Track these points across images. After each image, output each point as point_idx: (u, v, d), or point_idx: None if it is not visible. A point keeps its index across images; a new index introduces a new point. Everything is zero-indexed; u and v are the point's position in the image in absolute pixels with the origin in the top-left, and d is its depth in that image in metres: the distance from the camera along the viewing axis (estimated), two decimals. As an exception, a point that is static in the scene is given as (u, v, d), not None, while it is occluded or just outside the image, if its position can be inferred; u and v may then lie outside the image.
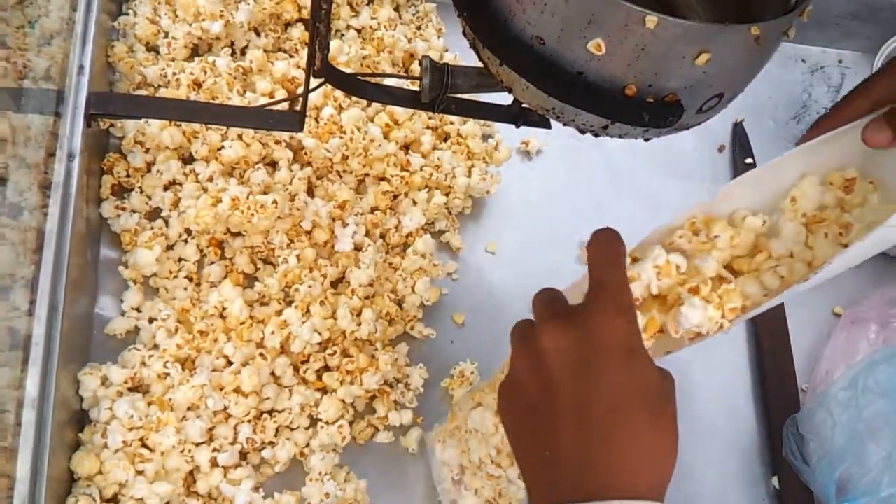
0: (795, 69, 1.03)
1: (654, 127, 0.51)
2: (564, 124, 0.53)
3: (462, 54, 0.88)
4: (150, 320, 0.67)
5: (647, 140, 0.55)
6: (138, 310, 0.68)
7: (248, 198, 0.68)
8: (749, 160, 0.94)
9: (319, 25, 0.56)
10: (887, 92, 0.49)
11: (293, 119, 0.67)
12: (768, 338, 0.84)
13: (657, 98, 0.49)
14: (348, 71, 0.75)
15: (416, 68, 0.84)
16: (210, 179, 0.71)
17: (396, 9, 0.87)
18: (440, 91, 0.65)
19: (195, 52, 0.79)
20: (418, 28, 0.87)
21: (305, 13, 0.81)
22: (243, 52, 0.80)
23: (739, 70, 0.50)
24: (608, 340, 0.41)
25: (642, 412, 0.40)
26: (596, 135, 0.53)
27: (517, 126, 0.70)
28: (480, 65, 0.65)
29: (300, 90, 0.71)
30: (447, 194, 0.79)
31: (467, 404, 0.61)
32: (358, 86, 0.65)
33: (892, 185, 0.53)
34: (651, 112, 0.49)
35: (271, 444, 0.65)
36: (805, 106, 1.01)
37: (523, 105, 0.69)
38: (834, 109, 0.52)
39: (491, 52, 0.51)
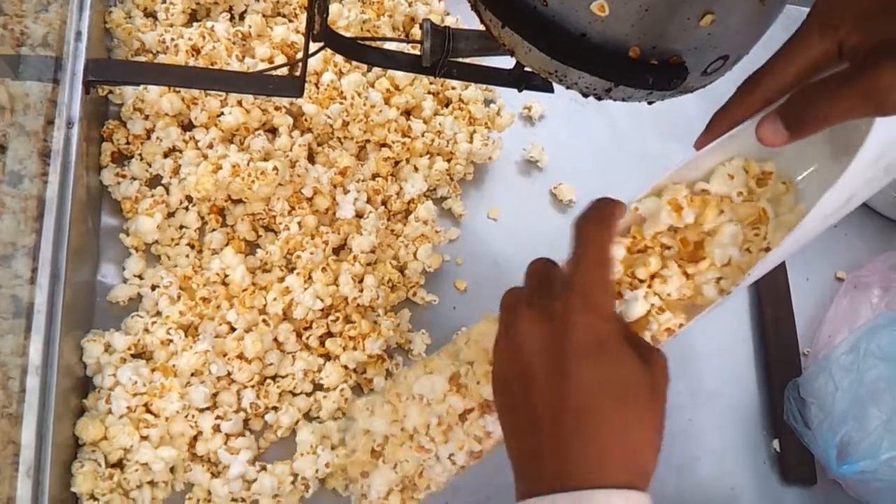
0: (801, 32, 1.02)
1: (658, 90, 0.50)
2: (567, 87, 0.52)
3: (463, 18, 0.87)
4: (153, 287, 0.67)
5: (650, 103, 0.55)
6: (140, 277, 0.68)
7: (248, 164, 0.67)
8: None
9: (318, -12, 0.55)
10: (780, 83, 0.47)
11: (293, 84, 0.66)
12: (770, 302, 0.84)
13: (661, 60, 0.48)
14: (348, 35, 0.74)
15: (416, 32, 0.83)
16: (210, 146, 0.71)
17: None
18: (441, 55, 0.64)
19: (193, 17, 0.78)
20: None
21: (304, -24, 0.80)
22: (242, 17, 0.79)
23: (744, 31, 0.50)
24: (581, 336, 0.40)
25: (617, 407, 0.40)
26: (599, 98, 0.53)
27: (519, 90, 0.69)
28: (482, 28, 0.65)
29: (299, 55, 0.71)
30: (449, 160, 0.78)
31: (417, 370, 0.58)
32: (358, 50, 0.65)
33: (793, 176, 0.52)
34: (655, 74, 0.49)
35: (275, 408, 0.65)
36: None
37: (525, 69, 0.69)
38: (728, 104, 0.49)
39: (493, 14, 0.51)
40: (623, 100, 0.53)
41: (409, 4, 0.83)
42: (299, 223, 0.69)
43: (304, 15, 0.80)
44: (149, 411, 0.61)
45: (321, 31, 0.59)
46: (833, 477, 0.74)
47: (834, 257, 0.89)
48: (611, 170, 0.87)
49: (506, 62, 0.67)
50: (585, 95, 0.53)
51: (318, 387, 0.68)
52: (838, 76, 0.39)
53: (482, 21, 0.53)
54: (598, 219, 0.46)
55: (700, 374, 0.81)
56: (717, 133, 0.49)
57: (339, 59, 0.77)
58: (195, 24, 0.76)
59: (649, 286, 0.50)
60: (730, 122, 0.49)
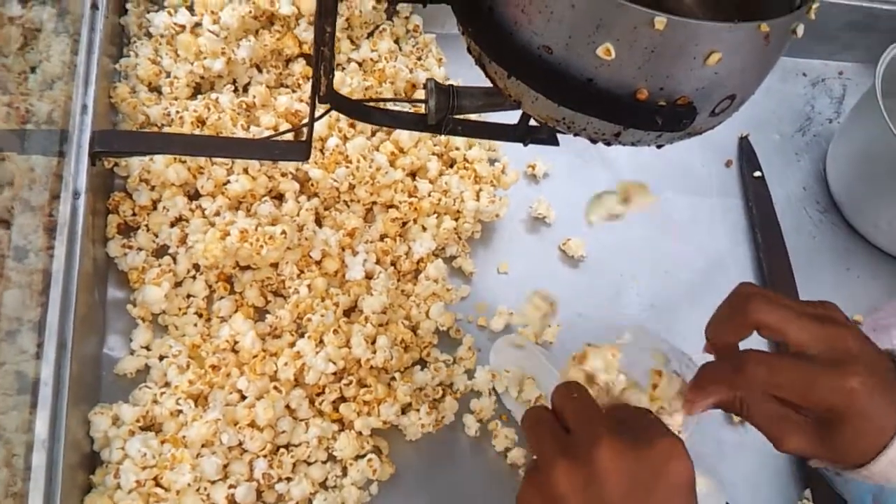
0: (797, 83, 1.04)
1: (667, 131, 0.50)
2: (575, 135, 0.52)
3: (464, 83, 0.87)
4: (161, 358, 0.66)
5: (659, 147, 0.55)
6: (148, 348, 0.67)
7: (256, 230, 0.67)
8: (757, 173, 0.93)
9: (324, 49, 0.56)
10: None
11: (299, 149, 0.66)
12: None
13: (669, 101, 0.48)
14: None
15: (421, 94, 0.83)
16: (217, 214, 0.70)
17: (396, 41, 0.88)
18: (446, 112, 0.64)
19: (197, 90, 0.79)
20: (419, 59, 0.87)
21: (306, 48, 0.82)
22: (245, 89, 0.80)
23: (750, 70, 0.50)
24: (676, 477, 0.40)
25: None
26: (608, 143, 0.53)
27: (525, 144, 0.69)
28: (485, 85, 0.65)
29: (305, 121, 0.71)
30: (456, 219, 0.78)
31: None
32: (363, 111, 0.65)
33: None
34: (664, 116, 0.48)
35: (288, 479, 0.63)
36: (809, 118, 1.01)
37: (530, 123, 0.69)
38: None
39: (498, 66, 0.51)
40: (632, 144, 0.53)
41: (410, 71, 0.84)
42: (309, 286, 0.68)
43: (308, 85, 0.81)
44: (158, 485, 0.59)
45: (327, 93, 0.59)
46: (871, 527, 0.71)
47: (849, 301, 0.87)
48: (618, 224, 0.86)
49: (510, 118, 0.68)
50: (594, 142, 0.53)
51: (332, 456, 0.66)
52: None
53: (487, 74, 0.54)
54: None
55: (724, 425, 0.78)
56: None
57: (343, 125, 0.78)
58: (199, 96, 0.77)
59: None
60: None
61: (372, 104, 0.67)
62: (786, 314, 0.45)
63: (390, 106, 0.76)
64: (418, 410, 0.68)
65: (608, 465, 0.39)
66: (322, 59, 0.56)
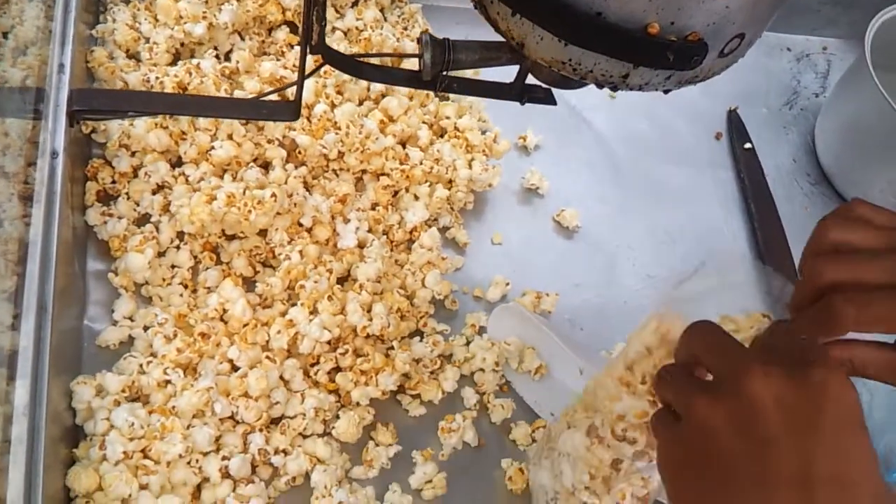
0: (782, 58, 1.03)
1: (678, 69, 0.49)
2: (581, 78, 0.50)
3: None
4: (145, 328, 0.62)
5: (666, 92, 0.53)
6: (131, 318, 0.63)
7: (244, 193, 0.64)
8: (748, 145, 0.92)
9: (316, -8, 0.53)
10: None
11: (288, 108, 0.64)
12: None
13: (680, 37, 0.47)
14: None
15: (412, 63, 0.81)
16: (201, 180, 0.67)
17: (381, 11, 0.85)
18: (441, 67, 0.62)
19: (177, 57, 0.76)
20: (405, 28, 0.85)
21: (290, 15, 0.79)
22: (228, 57, 0.77)
23: (760, 5, 0.48)
24: (843, 408, 0.34)
25: (869, 492, 0.34)
26: (614, 88, 0.51)
27: (521, 103, 0.67)
28: (480, 40, 0.63)
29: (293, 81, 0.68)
30: (449, 188, 0.76)
31: (560, 426, 0.55)
32: (355, 66, 0.62)
33: None
34: (675, 52, 0.47)
35: (284, 452, 0.60)
36: (795, 92, 1.01)
37: (527, 81, 0.67)
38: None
39: (501, 3, 0.49)
40: (639, 88, 0.51)
41: (397, 40, 0.82)
42: (300, 252, 0.66)
43: (292, 52, 0.78)
44: (147, 457, 0.55)
45: (319, 43, 0.56)
46: (881, 491, 0.70)
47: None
48: (611, 194, 0.85)
49: (507, 76, 0.66)
50: (600, 86, 0.51)
51: (328, 432, 0.63)
52: None
53: (488, 16, 0.52)
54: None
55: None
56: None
57: (330, 90, 0.75)
58: (179, 63, 0.74)
59: None
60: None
61: (365, 59, 0.65)
62: (862, 261, 0.40)
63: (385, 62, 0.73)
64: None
65: (762, 394, 0.34)
66: (315, 3, 0.53)
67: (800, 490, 0.33)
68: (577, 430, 0.52)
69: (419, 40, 0.62)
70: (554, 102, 0.69)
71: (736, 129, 0.94)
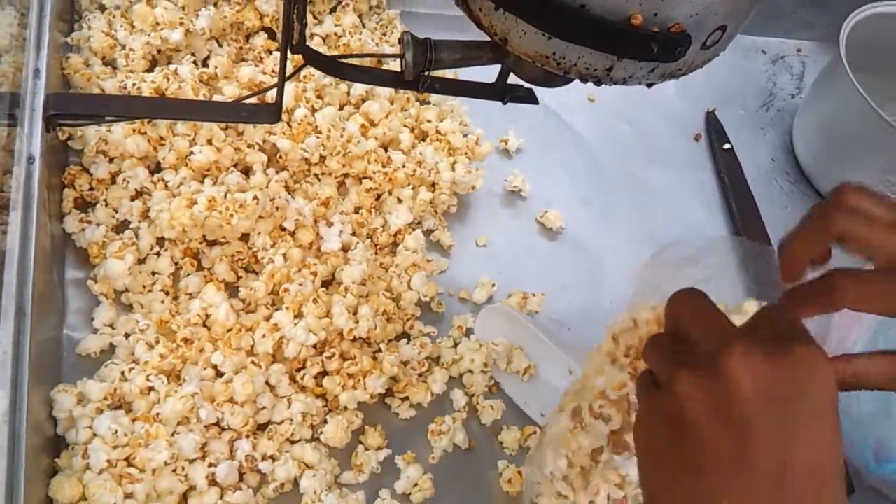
0: (758, 60, 1.04)
1: (662, 61, 0.49)
2: (565, 73, 0.50)
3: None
4: (127, 336, 0.61)
5: (649, 86, 0.53)
6: (112, 326, 0.62)
7: (225, 197, 0.63)
8: (727, 146, 0.93)
9: (296, -10, 0.53)
10: None
11: (269, 110, 0.63)
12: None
13: (663, 29, 0.47)
14: (317, 72, 0.72)
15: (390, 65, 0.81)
16: (180, 185, 0.66)
17: (360, 16, 0.85)
18: (423, 66, 0.62)
19: (154, 64, 0.75)
20: (383, 34, 0.85)
21: (268, 21, 0.79)
22: (205, 63, 0.76)
23: (742, -3, 0.48)
24: (821, 392, 0.33)
25: (838, 475, 0.34)
26: (598, 82, 0.51)
27: (504, 103, 0.67)
28: (462, 39, 0.63)
29: (272, 83, 0.68)
30: (432, 191, 0.75)
31: (553, 415, 0.53)
32: (337, 67, 0.62)
33: None
34: (659, 43, 0.47)
35: (272, 458, 0.59)
36: (772, 94, 1.02)
37: (509, 81, 0.67)
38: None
39: (485, -2, 0.49)
40: (623, 81, 0.51)
41: (376, 45, 0.82)
42: (284, 255, 0.65)
43: (270, 59, 0.77)
44: (132, 465, 0.54)
45: (300, 42, 0.56)
46: (871, 483, 0.70)
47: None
48: (594, 196, 0.85)
49: (488, 76, 0.66)
50: (584, 80, 0.51)
51: (316, 437, 0.62)
52: None
53: (471, 13, 0.51)
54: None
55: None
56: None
57: (311, 94, 0.74)
58: (157, 69, 0.73)
59: None
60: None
61: (346, 60, 0.64)
62: (874, 224, 0.39)
63: (366, 63, 0.72)
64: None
65: (740, 374, 0.33)
66: (295, 1, 0.53)
67: (775, 476, 0.33)
68: (564, 412, 0.50)
69: (401, 40, 0.61)
70: (536, 101, 0.69)
71: (714, 130, 0.94)
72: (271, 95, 0.68)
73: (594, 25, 0.46)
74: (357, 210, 0.72)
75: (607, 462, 0.49)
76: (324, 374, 0.63)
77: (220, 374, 0.60)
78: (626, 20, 0.46)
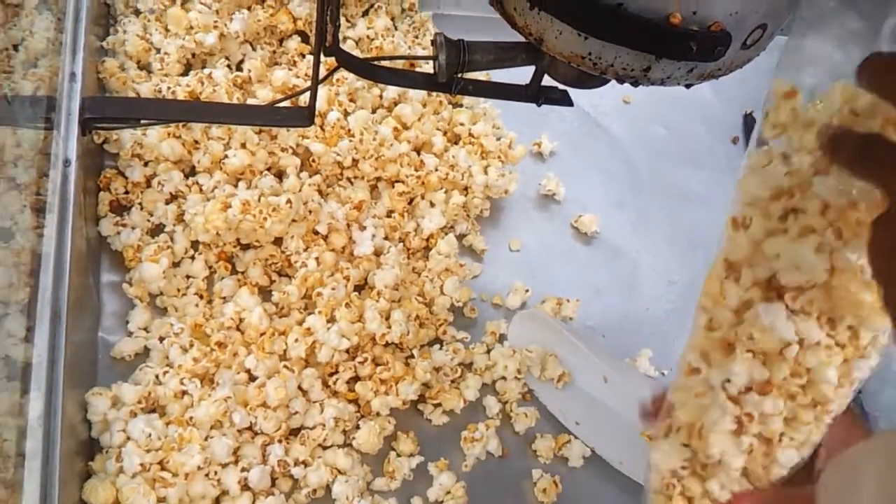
0: (796, 60, 1.02)
1: (701, 60, 0.47)
2: (602, 73, 0.49)
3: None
4: (161, 339, 0.61)
5: (688, 87, 0.52)
6: (146, 329, 0.62)
7: (259, 200, 0.63)
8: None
9: (331, -6, 0.52)
10: None
11: (302, 114, 0.63)
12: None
13: (703, 27, 0.46)
14: (350, 76, 0.71)
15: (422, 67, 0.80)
16: (215, 189, 0.66)
17: (392, 19, 0.85)
18: (456, 68, 0.61)
19: (188, 68, 0.76)
20: (416, 37, 0.84)
21: (301, 25, 0.79)
22: (239, 67, 0.77)
23: (782, -7, 0.47)
24: None
25: None
26: (635, 83, 0.50)
27: (538, 105, 0.66)
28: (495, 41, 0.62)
29: (306, 87, 0.68)
30: (465, 194, 0.75)
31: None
32: (370, 69, 0.61)
33: None
34: (698, 42, 0.46)
35: (304, 463, 0.58)
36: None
37: (543, 83, 0.66)
38: None
39: (520, -2, 0.48)
40: (661, 82, 0.50)
41: (409, 48, 0.82)
42: (317, 259, 0.64)
43: (304, 62, 0.77)
44: (165, 469, 0.54)
45: (333, 44, 0.56)
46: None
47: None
48: (629, 200, 0.84)
49: (522, 78, 0.65)
50: (621, 81, 0.50)
51: (348, 443, 0.62)
52: None
53: (505, 13, 0.51)
54: None
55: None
56: None
57: (343, 98, 0.74)
58: (191, 73, 0.73)
59: None
60: None
61: (379, 62, 0.64)
62: None
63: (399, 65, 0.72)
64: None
65: None
66: (328, 3, 0.53)
67: None
68: (682, 406, 0.41)
69: (434, 41, 0.61)
70: (570, 103, 0.68)
71: (752, 133, 0.93)
72: (304, 99, 0.68)
73: (632, 24, 0.45)
74: (389, 214, 0.71)
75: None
76: (356, 379, 0.63)
77: (253, 379, 0.60)
78: (665, 19, 0.45)
